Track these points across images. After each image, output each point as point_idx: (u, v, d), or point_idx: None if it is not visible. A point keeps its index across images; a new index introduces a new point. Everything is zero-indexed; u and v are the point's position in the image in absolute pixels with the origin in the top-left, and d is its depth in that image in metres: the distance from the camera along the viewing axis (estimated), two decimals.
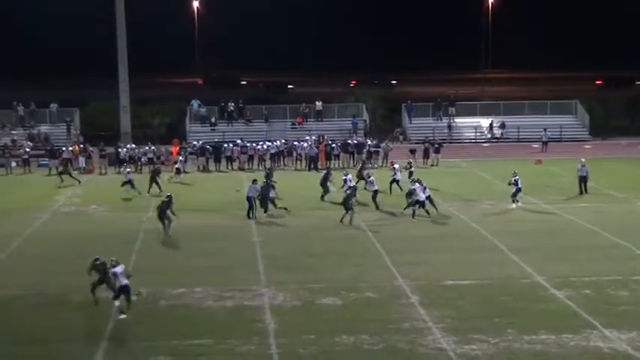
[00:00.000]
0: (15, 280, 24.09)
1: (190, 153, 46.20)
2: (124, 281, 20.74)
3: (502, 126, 57.61)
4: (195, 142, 48.22)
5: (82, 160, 45.30)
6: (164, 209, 29.41)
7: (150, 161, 45.33)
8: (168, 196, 29.98)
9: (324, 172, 37.46)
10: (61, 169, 40.91)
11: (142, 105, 58.15)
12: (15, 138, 50.41)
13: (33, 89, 64.75)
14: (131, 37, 52.51)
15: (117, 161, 45.02)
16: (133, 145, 47.26)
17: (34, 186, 40.26)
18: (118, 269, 20.94)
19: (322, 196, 35.61)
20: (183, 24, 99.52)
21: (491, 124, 57.93)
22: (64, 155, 45.60)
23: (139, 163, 44.84)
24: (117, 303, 20.69)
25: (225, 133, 54.13)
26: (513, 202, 33.79)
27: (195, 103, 57.75)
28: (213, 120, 56.49)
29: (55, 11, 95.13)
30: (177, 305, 21.79)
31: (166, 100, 62.37)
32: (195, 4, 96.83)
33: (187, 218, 32.34)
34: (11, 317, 20.93)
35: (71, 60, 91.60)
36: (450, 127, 57.87)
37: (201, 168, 45.74)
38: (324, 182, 36.00)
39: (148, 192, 37.06)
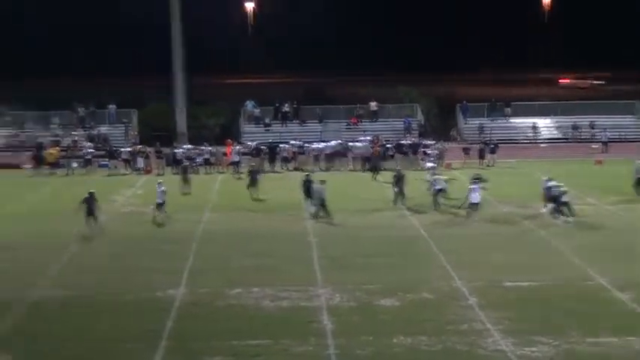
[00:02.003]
0: (74, 280, 24.45)
1: (244, 153, 46.38)
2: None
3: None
4: (249, 143, 48.46)
5: (140, 161, 45.80)
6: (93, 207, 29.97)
7: (206, 162, 45.70)
8: (90, 193, 30.47)
9: (395, 173, 35.74)
10: None
11: (197, 105, 58.59)
12: (76, 139, 51.20)
13: (92, 90, 65.63)
14: (187, 38, 53.07)
15: (173, 162, 45.37)
16: (190, 146, 47.66)
17: (94, 186, 40.64)
18: None
19: (395, 200, 34.47)
20: (238, 25, 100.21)
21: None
22: (123, 156, 46.29)
23: (195, 164, 45.16)
24: None
25: (280, 134, 54.29)
26: (545, 206, 32.82)
27: (249, 104, 57.99)
28: (267, 120, 56.70)
29: (112, 12, 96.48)
30: (235, 305, 21.90)
31: (221, 101, 62.67)
32: (251, 5, 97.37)
33: (243, 219, 32.61)
34: (71, 317, 21.24)
35: (129, 60, 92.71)
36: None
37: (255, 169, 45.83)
38: (398, 185, 34.64)
39: (185, 192, 37.95)
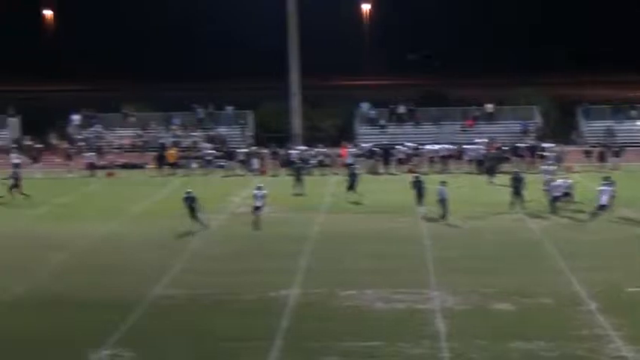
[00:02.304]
0: (190, 279, 24.89)
1: (359, 155, 46.41)
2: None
3: None
4: (363, 145, 48.49)
5: (255, 162, 46.50)
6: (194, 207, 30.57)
7: (320, 163, 45.97)
8: (188, 192, 31.12)
9: (513, 176, 34.84)
10: (11, 182, 37.69)
11: (312, 107, 59.06)
12: (195, 139, 52.48)
13: (210, 91, 67.06)
14: (302, 40, 53.67)
15: (288, 163, 45.83)
16: (304, 147, 48.10)
17: (212, 187, 41.49)
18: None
19: (512, 203, 33.44)
20: (354, 26, 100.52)
21: None
22: (239, 157, 47.06)
23: (309, 165, 45.43)
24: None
25: (395, 136, 54.08)
26: None
27: (364, 106, 58.06)
28: (382, 122, 56.60)
29: (227, 18, 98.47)
30: (349, 306, 21.94)
31: (336, 102, 62.93)
32: (367, 7, 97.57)
33: (357, 220, 32.66)
34: (187, 316, 21.66)
35: (246, 62, 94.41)
36: None
37: (370, 170, 45.79)
38: (518, 188, 33.63)
39: (298, 193, 38.28)
